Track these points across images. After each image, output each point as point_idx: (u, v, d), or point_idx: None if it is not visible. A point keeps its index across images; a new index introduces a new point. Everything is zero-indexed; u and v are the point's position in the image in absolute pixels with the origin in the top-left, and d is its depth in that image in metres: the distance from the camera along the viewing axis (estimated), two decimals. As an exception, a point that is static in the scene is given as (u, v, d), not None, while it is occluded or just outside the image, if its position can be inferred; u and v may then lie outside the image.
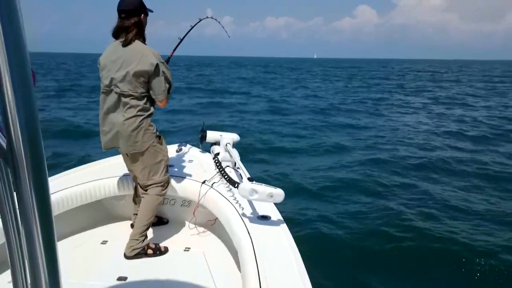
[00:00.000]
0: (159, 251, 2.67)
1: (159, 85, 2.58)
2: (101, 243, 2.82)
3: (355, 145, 10.10)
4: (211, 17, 3.44)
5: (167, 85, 2.64)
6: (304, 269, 1.89)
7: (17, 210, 0.48)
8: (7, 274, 2.35)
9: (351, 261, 4.36)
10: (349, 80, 39.55)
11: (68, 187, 2.82)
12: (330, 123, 13.82)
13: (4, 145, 0.46)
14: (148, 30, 2.68)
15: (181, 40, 3.19)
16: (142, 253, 2.60)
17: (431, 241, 4.79)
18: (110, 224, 3.14)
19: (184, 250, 2.75)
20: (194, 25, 3.25)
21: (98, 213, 3.17)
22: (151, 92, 2.60)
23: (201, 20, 3.30)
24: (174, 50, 3.20)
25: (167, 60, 2.99)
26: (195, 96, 21.39)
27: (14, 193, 0.49)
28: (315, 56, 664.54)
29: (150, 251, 2.63)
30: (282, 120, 14.24)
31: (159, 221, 3.15)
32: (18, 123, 0.43)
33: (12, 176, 0.45)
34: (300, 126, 13.03)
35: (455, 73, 59.89)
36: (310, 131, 12.25)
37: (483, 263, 4.22)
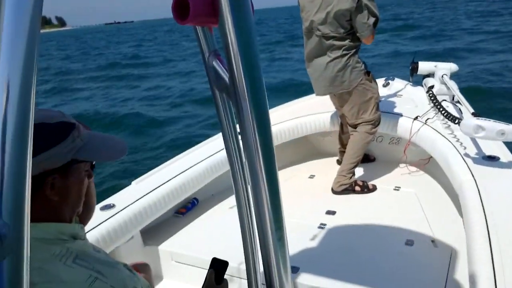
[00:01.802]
0: (367, 189, 2.63)
1: (363, 22, 2.40)
2: (309, 177, 2.95)
3: None
4: None
5: (373, 19, 2.43)
6: None
7: (240, 142, 0.50)
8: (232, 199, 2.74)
9: None
10: None
11: (278, 123, 2.97)
12: None
13: (227, 79, 0.47)
14: None
15: None
16: (349, 189, 2.61)
17: None
18: (316, 159, 3.24)
19: (394, 189, 2.64)
20: None
21: (305, 148, 3.30)
22: (355, 29, 2.45)
23: None
24: None
25: None
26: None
27: (237, 125, 0.52)
28: None
29: (358, 188, 2.62)
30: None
31: (366, 159, 3.08)
32: (239, 58, 0.43)
33: (234, 107, 0.46)
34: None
35: None
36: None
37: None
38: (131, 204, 2.02)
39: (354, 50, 2.50)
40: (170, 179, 2.26)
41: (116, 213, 1.93)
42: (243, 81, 0.43)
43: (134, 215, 1.97)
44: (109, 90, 12.65)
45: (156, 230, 2.26)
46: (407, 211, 2.35)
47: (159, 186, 2.19)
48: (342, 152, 2.87)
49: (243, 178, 0.65)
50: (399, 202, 2.48)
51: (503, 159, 2.08)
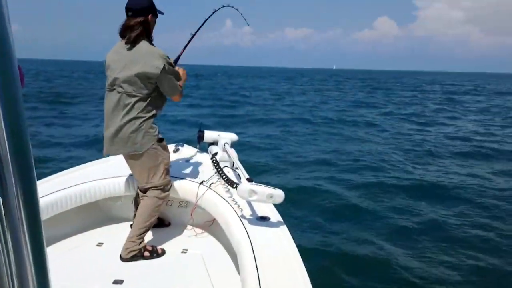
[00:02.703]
0: (156, 253, 2.62)
1: (169, 85, 2.54)
2: (97, 245, 2.77)
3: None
4: (228, 5, 3.16)
5: (177, 83, 2.60)
6: (305, 272, 1.85)
7: (4, 218, 0.45)
8: None
9: (351, 265, 4.33)
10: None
11: (63, 189, 2.77)
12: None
13: None
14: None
15: (193, 35, 3.02)
16: (139, 255, 2.55)
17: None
18: (105, 226, 3.09)
19: (182, 252, 2.71)
20: (208, 17, 3.05)
21: (93, 214, 3.12)
22: (162, 91, 2.56)
23: (216, 11, 3.09)
24: (186, 46, 3.03)
25: (177, 58, 2.91)
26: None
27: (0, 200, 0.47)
28: (334, 67, 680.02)
29: (147, 253, 2.58)
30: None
31: (160, 223, 3.10)
32: (3, 126, 0.41)
33: None
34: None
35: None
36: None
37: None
38: None
39: (150, 114, 2.56)
40: None
41: None
42: (7, 151, 0.41)
43: None
44: None
45: None
46: (192, 273, 2.43)
47: None
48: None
49: (7, 260, 0.50)
50: (186, 264, 2.55)
51: (273, 219, 2.41)
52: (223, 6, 3.14)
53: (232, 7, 3.18)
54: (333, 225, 5.33)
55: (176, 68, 2.67)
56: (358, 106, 22.72)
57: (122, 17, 2.53)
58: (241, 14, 3.29)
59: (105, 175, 2.99)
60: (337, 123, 15.27)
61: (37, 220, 0.44)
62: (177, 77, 2.60)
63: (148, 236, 2.84)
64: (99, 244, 2.78)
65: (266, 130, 13.24)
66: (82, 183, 2.87)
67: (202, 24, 3.06)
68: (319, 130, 13.44)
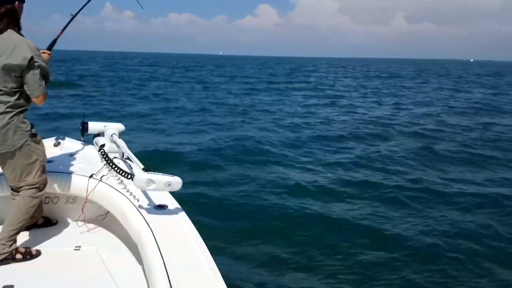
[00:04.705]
0: (30, 255, 2.42)
1: (33, 81, 2.34)
2: None
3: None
4: None
5: (43, 81, 2.41)
6: (210, 256, 1.93)
7: None
8: None
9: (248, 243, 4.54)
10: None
11: None
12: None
13: None
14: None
15: (73, 17, 2.84)
16: (9, 258, 2.34)
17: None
18: None
19: (75, 250, 2.57)
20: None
21: None
22: (25, 87, 2.35)
23: None
24: (64, 29, 2.82)
25: (54, 41, 2.74)
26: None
27: None
28: (221, 53, 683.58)
29: (19, 256, 2.37)
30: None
31: (46, 222, 2.87)
32: None
33: None
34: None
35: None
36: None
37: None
38: None
39: (20, 109, 2.36)
40: None
41: None
42: None
43: None
44: None
45: None
46: (89, 270, 2.34)
47: None
48: None
49: None
50: (81, 262, 2.45)
51: (171, 206, 2.43)
52: None
53: None
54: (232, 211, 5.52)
55: (41, 51, 2.49)
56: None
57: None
58: None
59: None
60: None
61: None
62: (46, 76, 2.44)
63: (35, 237, 2.64)
64: None
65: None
66: None
67: (85, 5, 2.93)
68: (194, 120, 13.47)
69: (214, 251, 2.03)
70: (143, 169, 2.40)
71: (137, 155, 2.80)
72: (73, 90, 20.62)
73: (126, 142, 3.17)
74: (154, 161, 6.90)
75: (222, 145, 9.23)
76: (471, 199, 6.20)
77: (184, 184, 2.38)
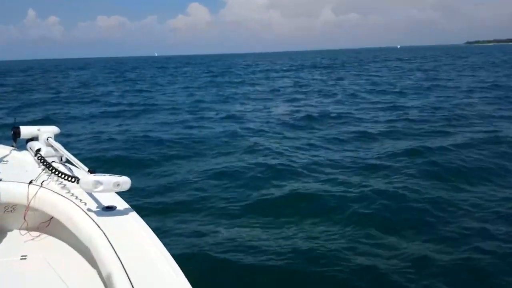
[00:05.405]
0: None
1: None
2: None
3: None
4: None
5: None
6: (168, 252, 1.88)
7: None
8: None
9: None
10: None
11: None
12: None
13: None
14: None
15: None
16: None
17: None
18: None
19: (21, 259, 2.40)
20: None
21: None
22: None
23: None
24: None
25: None
26: None
27: None
28: (156, 54, 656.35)
29: None
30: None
31: None
32: None
33: None
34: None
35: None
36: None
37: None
38: None
39: None
40: None
41: None
42: None
43: None
44: None
45: None
46: (40, 279, 2.20)
47: None
48: None
49: None
50: (29, 271, 2.29)
51: (120, 207, 2.34)
52: None
53: None
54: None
55: None
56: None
57: None
58: None
59: None
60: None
61: None
62: None
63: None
64: None
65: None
66: None
67: None
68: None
69: (170, 248, 1.98)
70: (88, 171, 2.28)
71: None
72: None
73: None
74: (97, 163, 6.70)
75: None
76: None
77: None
